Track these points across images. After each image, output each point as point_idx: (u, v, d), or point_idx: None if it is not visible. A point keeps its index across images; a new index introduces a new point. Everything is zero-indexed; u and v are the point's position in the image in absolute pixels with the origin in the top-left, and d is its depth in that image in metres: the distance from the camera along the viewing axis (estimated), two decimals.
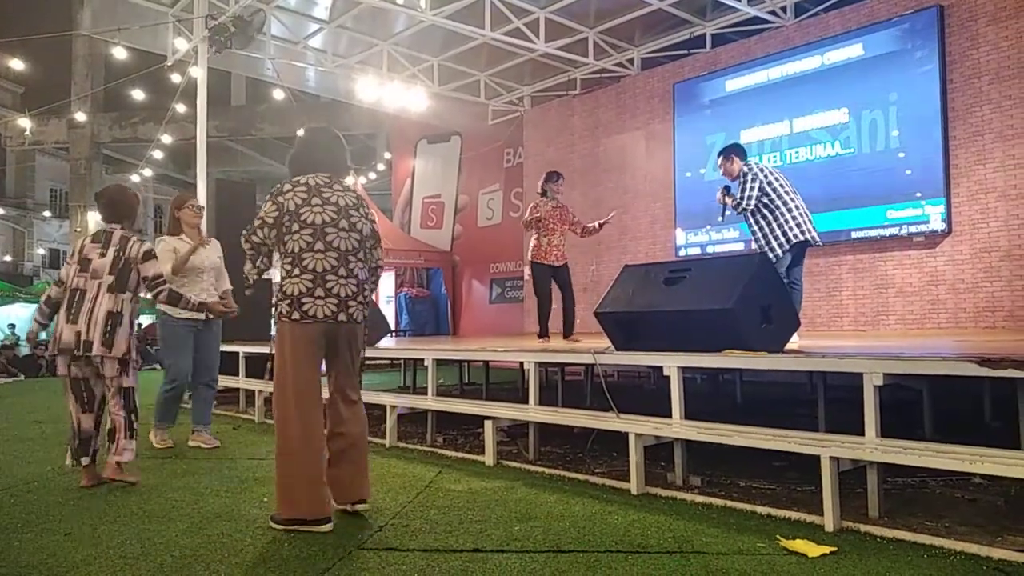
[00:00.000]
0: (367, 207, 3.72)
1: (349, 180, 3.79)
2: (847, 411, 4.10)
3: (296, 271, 3.40)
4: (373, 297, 3.90)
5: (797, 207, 5.83)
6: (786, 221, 5.78)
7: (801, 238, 5.78)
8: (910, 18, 8.96)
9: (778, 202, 5.80)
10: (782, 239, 5.78)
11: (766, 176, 5.83)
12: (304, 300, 3.37)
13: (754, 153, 10.31)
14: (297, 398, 3.38)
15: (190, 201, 5.80)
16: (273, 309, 3.47)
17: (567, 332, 7.21)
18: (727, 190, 6.05)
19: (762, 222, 5.87)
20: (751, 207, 5.83)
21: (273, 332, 3.55)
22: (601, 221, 7.27)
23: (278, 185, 3.52)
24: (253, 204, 10.58)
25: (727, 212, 6.10)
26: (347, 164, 3.77)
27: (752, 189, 5.80)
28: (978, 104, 8.43)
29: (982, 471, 3.09)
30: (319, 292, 3.39)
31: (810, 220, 5.88)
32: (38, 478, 4.63)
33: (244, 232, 3.51)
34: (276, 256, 3.59)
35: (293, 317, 3.38)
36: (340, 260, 3.46)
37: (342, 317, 3.45)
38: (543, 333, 7.24)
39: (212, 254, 5.77)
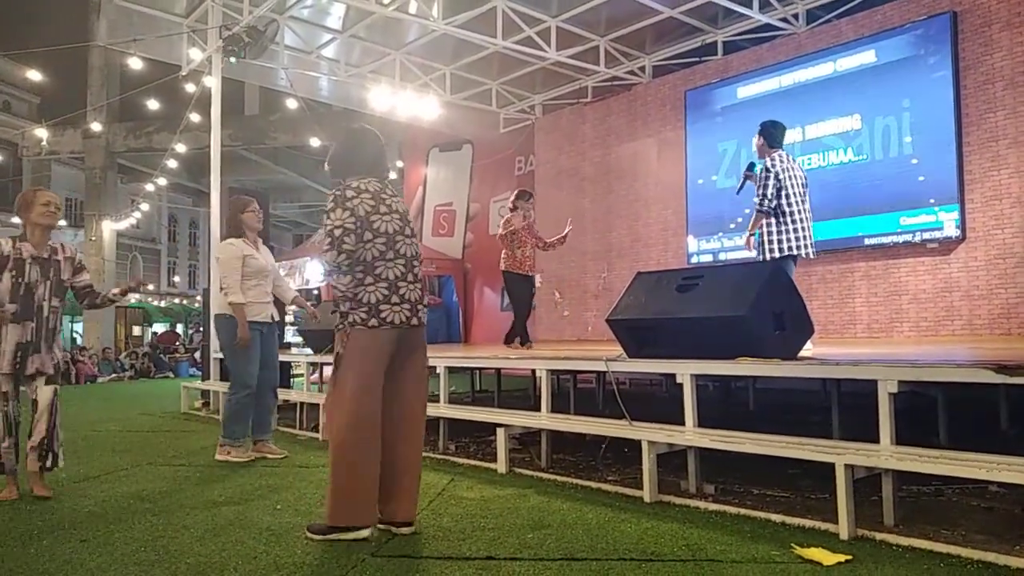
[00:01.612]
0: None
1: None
2: (861, 418, 4.08)
3: (369, 279, 3.41)
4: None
5: (802, 219, 5.73)
6: (786, 231, 5.69)
7: (795, 252, 5.70)
8: (923, 24, 8.93)
9: (785, 209, 5.69)
10: (776, 247, 5.68)
11: (782, 179, 5.69)
12: (383, 307, 3.40)
13: None
14: (365, 406, 3.36)
15: (253, 204, 5.74)
16: (340, 318, 3.43)
17: (513, 338, 7.66)
18: (751, 167, 5.99)
19: (769, 222, 5.77)
20: (769, 207, 5.66)
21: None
22: (560, 235, 7.76)
23: (338, 191, 3.45)
24: (266, 212, 10.62)
25: (742, 188, 6.16)
26: (387, 167, 3.76)
27: (767, 188, 5.63)
28: (992, 110, 8.39)
29: (999, 479, 3.06)
30: (395, 299, 3.42)
31: (810, 233, 5.79)
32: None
33: (328, 246, 3.37)
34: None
35: (371, 324, 3.38)
36: (407, 266, 3.51)
37: (415, 321, 3.49)
38: (524, 340, 7.59)
39: (269, 258, 5.80)
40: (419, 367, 3.61)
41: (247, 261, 5.51)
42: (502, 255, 7.63)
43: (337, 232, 3.34)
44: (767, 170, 5.67)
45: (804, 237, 5.73)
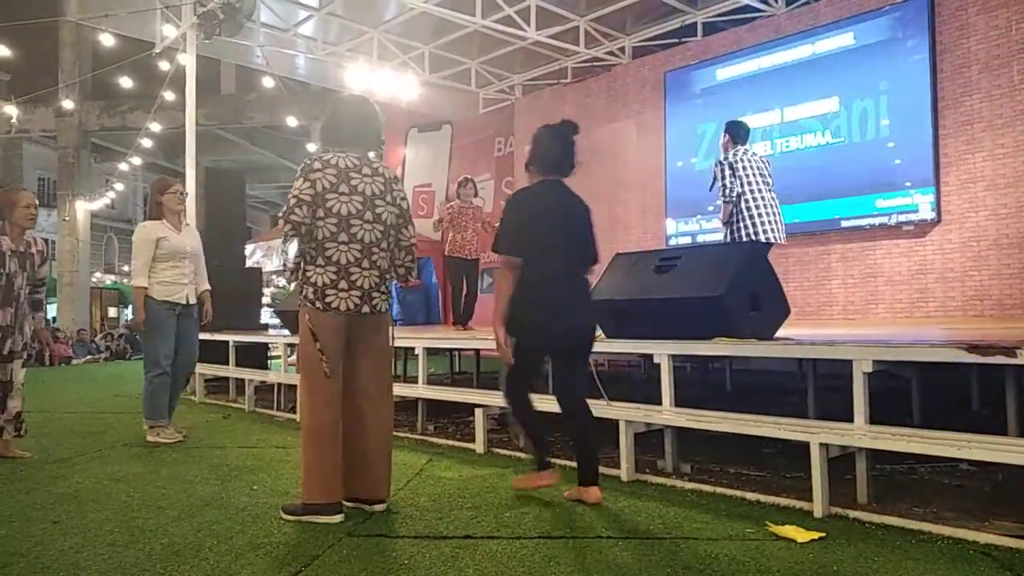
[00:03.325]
0: (396, 189, 3.58)
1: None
2: (836, 399, 4.12)
3: (320, 260, 3.35)
4: (413, 279, 3.84)
5: (760, 206, 5.89)
6: (745, 219, 5.85)
7: (756, 238, 5.84)
8: (901, 7, 8.95)
9: (744, 197, 5.87)
10: (735, 235, 5.90)
11: (737, 169, 5.90)
12: (328, 292, 3.33)
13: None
14: (321, 385, 3.34)
15: (174, 186, 5.66)
16: (299, 292, 3.42)
17: (465, 320, 7.83)
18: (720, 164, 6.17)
19: (733, 210, 5.98)
20: (731, 197, 5.92)
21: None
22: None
23: (308, 161, 3.40)
24: (243, 192, 10.55)
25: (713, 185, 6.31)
26: (379, 138, 3.62)
27: (725, 178, 5.92)
28: (968, 93, 8.44)
29: (969, 457, 3.11)
30: (343, 284, 3.35)
31: (774, 220, 5.93)
32: (25, 466, 4.61)
33: (282, 214, 3.36)
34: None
35: (316, 306, 3.34)
36: (364, 252, 3.40)
37: (365, 309, 3.41)
38: (457, 320, 7.80)
39: (192, 240, 5.70)
40: (377, 351, 3.54)
41: (160, 243, 5.46)
42: (446, 239, 7.87)
43: (291, 202, 3.32)
44: (720, 163, 5.95)
45: (767, 223, 5.89)
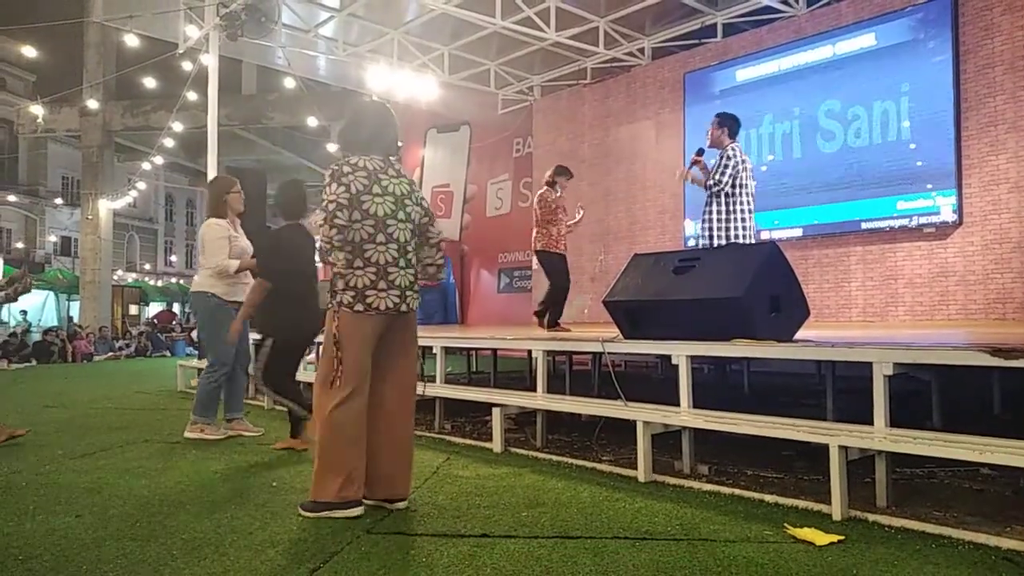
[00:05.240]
0: (416, 190, 3.64)
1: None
2: (855, 402, 4.10)
3: (358, 262, 3.37)
4: (443, 276, 3.82)
5: (749, 210, 5.87)
6: (734, 220, 5.81)
7: (741, 240, 5.81)
8: (923, 7, 8.89)
9: (735, 198, 5.82)
10: (724, 234, 5.83)
11: (739, 168, 5.83)
12: (368, 293, 3.36)
13: (765, 143, 10.27)
14: (353, 386, 3.35)
15: (238, 186, 5.68)
16: (331, 297, 3.42)
17: (549, 321, 7.26)
18: (700, 152, 6.06)
19: (718, 208, 5.89)
20: (722, 190, 5.81)
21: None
22: (575, 221, 7.52)
23: (336, 166, 3.42)
24: (264, 192, 10.60)
25: (691, 174, 6.16)
26: (395, 143, 3.64)
27: (725, 172, 5.78)
28: (992, 94, 8.36)
29: (990, 461, 3.08)
30: (382, 284, 3.38)
31: (753, 223, 5.94)
32: (49, 461, 4.67)
33: (322, 222, 3.34)
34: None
35: (356, 308, 3.35)
36: (400, 252, 3.45)
37: (404, 308, 3.46)
38: (552, 321, 7.13)
39: (247, 241, 5.74)
40: (408, 349, 3.59)
41: (231, 242, 5.49)
42: (535, 233, 7.17)
43: (331, 207, 3.31)
44: (729, 157, 5.82)
45: (750, 227, 5.87)
